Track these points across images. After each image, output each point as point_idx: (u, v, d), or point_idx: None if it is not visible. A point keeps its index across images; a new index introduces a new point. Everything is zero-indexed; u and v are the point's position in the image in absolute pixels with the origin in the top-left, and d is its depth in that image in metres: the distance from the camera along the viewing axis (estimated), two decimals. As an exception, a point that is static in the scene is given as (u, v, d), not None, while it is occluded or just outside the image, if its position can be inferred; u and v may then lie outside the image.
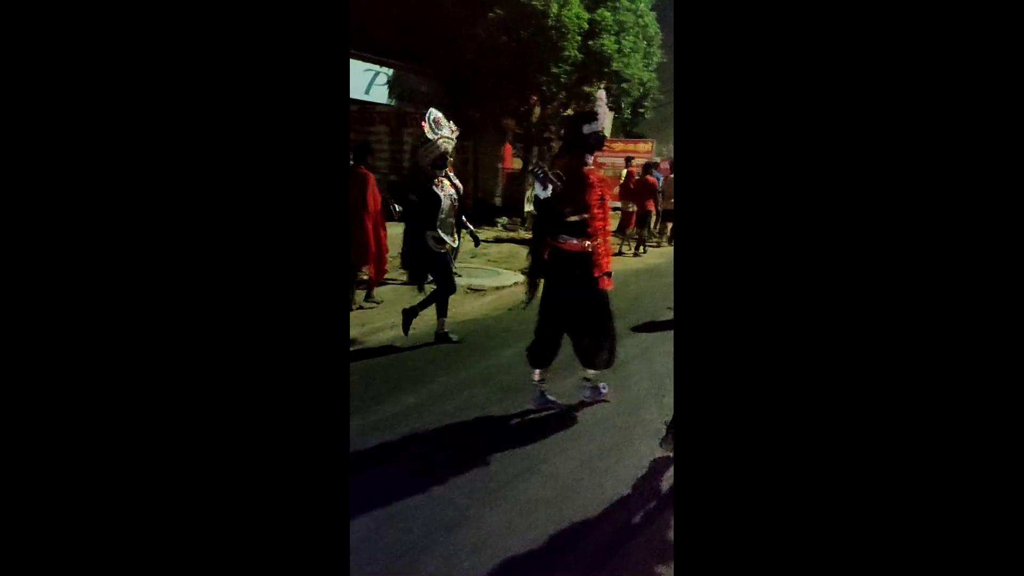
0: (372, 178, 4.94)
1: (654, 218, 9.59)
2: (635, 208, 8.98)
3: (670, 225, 10.02)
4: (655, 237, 10.02)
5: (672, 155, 19.96)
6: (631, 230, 9.13)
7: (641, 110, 10.91)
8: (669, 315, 5.20)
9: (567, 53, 8.78)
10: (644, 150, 15.02)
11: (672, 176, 9.62)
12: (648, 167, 9.63)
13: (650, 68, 10.77)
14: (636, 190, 9.02)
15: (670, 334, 4.46)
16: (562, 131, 3.25)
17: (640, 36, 10.07)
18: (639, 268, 7.76)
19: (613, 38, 9.30)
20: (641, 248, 9.13)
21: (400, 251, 4.20)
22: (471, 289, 5.59)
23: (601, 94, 3.41)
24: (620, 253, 8.56)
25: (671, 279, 5.09)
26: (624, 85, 9.73)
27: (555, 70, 8.87)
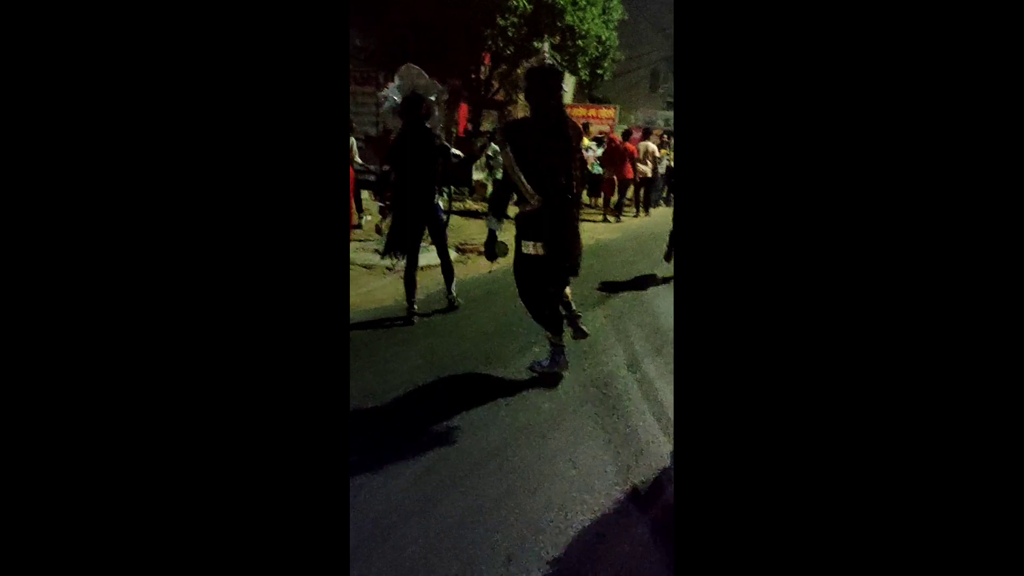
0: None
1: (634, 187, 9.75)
2: (613, 175, 9.07)
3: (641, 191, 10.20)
4: (630, 205, 10.07)
5: (638, 123, 19.30)
6: (612, 198, 9.25)
7: (600, 71, 10.09)
8: (599, 309, 4.54)
9: (514, 3, 7.90)
10: (606, 116, 14.25)
11: (641, 145, 9.62)
12: (627, 134, 9.71)
13: (609, 25, 9.94)
14: (616, 157, 8.95)
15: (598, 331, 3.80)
16: (526, 89, 2.76)
17: (597, -13, 9.23)
18: (589, 244, 7.03)
19: (567, -12, 8.43)
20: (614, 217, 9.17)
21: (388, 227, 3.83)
22: (388, 270, 4.84)
23: (546, 47, 2.95)
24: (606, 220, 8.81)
25: (622, 259, 4.80)
26: (580, 42, 8.89)
27: (502, 22, 7.99)
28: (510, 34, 8.13)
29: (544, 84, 2.59)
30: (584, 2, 8.66)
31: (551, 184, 2.62)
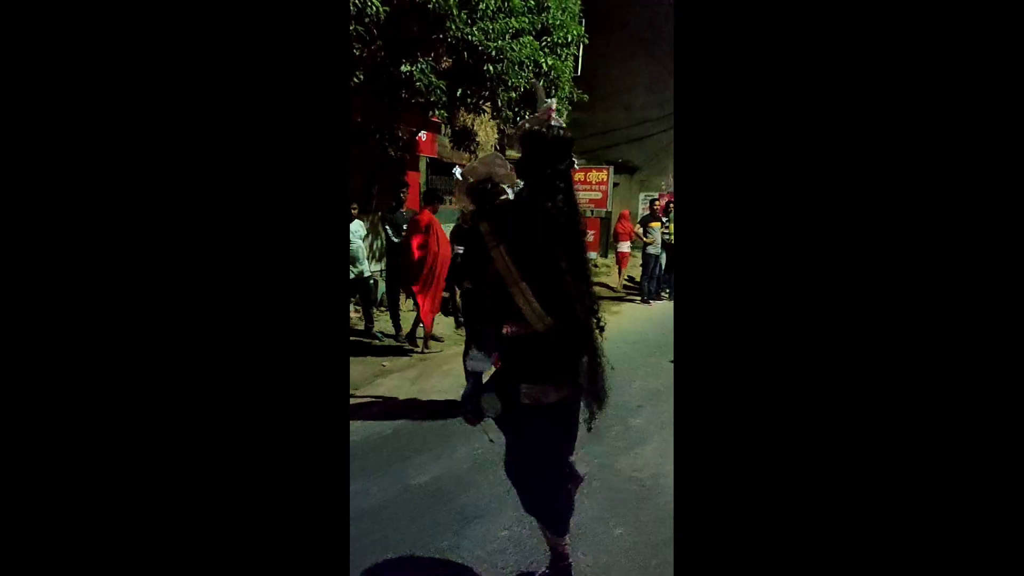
0: (436, 222, 4.98)
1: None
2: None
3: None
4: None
5: (669, 190, 16.07)
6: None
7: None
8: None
9: (369, 5, 5.10)
10: (597, 180, 11.17)
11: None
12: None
13: (561, 52, 7.02)
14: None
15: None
16: (520, 162, 1.82)
17: (523, -8, 6.34)
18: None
19: (457, -12, 5.56)
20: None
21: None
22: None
23: (553, 102, 1.93)
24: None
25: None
26: (492, 67, 5.94)
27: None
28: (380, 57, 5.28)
29: (546, 154, 1.81)
30: (489, 8, 5.74)
31: (565, 298, 1.77)
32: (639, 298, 8.88)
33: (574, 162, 1.91)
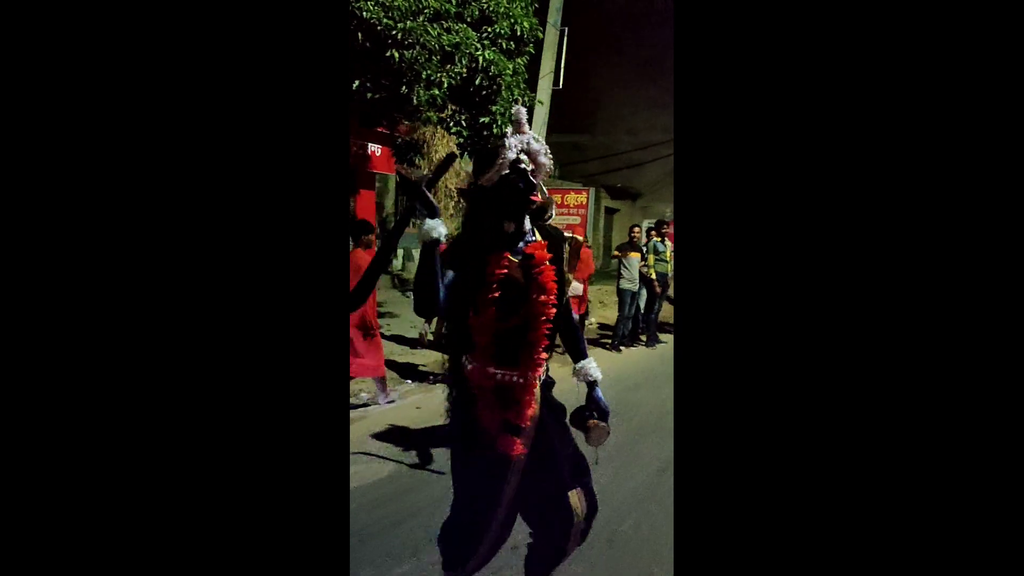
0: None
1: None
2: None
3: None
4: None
5: (672, 217, 14.70)
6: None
7: (485, 120, 5.86)
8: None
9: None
10: (576, 203, 9.86)
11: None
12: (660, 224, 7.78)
13: (495, 42, 5.79)
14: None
15: None
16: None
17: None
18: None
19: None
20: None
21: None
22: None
23: (519, 111, 1.75)
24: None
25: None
26: (399, 53, 4.73)
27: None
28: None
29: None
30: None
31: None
32: (609, 343, 7.45)
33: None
